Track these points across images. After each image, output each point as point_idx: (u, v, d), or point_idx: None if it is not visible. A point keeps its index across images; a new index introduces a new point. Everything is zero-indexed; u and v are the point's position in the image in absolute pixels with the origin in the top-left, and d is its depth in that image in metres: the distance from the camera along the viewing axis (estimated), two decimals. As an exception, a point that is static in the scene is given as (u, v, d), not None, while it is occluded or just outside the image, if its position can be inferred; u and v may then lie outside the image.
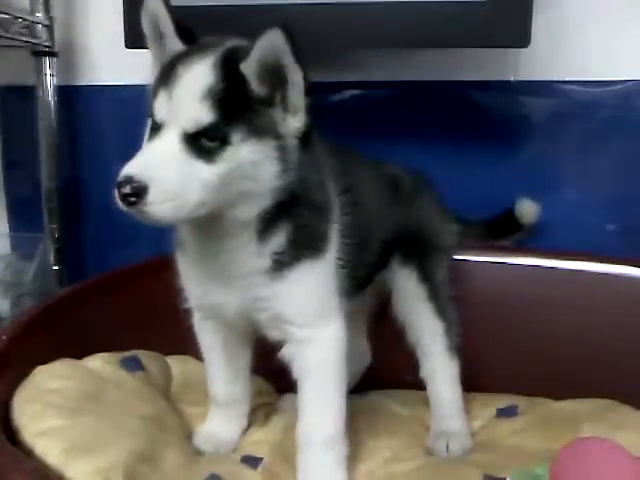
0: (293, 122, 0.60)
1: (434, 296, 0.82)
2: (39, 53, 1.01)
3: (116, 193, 0.56)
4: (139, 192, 0.55)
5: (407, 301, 0.82)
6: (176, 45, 0.63)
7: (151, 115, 0.61)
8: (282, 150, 0.59)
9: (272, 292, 0.65)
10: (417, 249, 0.83)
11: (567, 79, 0.97)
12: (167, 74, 0.59)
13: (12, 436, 0.62)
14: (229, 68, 0.58)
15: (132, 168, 0.56)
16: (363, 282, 0.79)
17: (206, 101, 0.57)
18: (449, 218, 0.88)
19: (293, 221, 0.64)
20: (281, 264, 0.64)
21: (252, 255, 0.64)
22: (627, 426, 0.72)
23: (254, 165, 0.58)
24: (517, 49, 0.89)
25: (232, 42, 0.62)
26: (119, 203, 0.56)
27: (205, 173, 0.57)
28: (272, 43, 0.57)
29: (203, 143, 0.57)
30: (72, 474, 0.57)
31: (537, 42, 0.83)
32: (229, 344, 0.76)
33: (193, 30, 0.64)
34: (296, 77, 0.58)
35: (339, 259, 0.68)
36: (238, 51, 0.60)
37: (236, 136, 0.57)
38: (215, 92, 0.57)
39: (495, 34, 0.75)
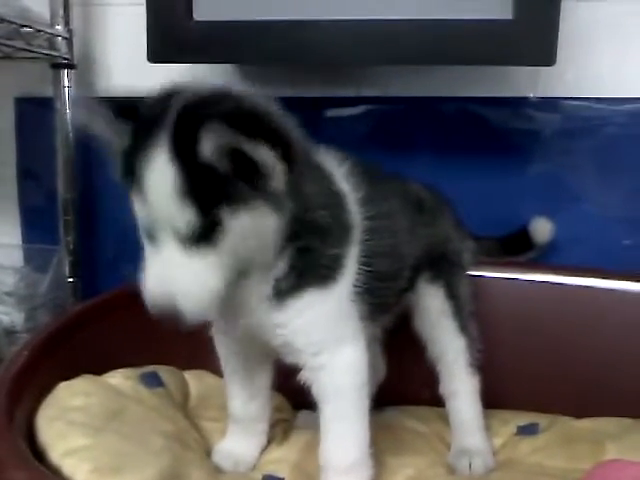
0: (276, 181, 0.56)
1: (458, 313, 0.82)
2: (58, 65, 1.01)
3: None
4: (170, 311, 0.55)
5: (431, 318, 0.82)
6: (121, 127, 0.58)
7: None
8: (275, 199, 0.56)
9: (277, 320, 0.63)
10: (443, 267, 0.83)
11: (585, 96, 0.97)
12: (130, 171, 0.56)
13: (38, 455, 0.62)
14: (187, 156, 0.53)
15: (154, 293, 0.56)
16: (390, 307, 0.79)
17: (180, 200, 0.53)
18: (467, 235, 0.89)
19: (294, 244, 0.61)
20: (283, 291, 0.62)
21: (255, 280, 0.62)
22: (653, 447, 0.72)
23: (254, 228, 0.56)
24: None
25: (181, 101, 0.55)
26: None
27: (213, 258, 0.55)
28: (217, 138, 0.52)
29: (198, 235, 0.55)
30: (101, 495, 0.57)
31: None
32: (248, 359, 0.75)
33: (135, 106, 0.59)
34: (266, 157, 0.53)
35: (360, 286, 0.65)
36: (193, 121, 0.53)
37: (224, 215, 0.54)
38: (183, 187, 0.53)
39: (520, 52, 0.75)
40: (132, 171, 0.56)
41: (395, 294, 0.77)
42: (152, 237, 0.57)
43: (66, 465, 0.59)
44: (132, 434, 0.67)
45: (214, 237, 0.55)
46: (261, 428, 0.78)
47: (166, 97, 0.57)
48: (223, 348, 0.75)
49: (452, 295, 0.81)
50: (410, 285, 0.80)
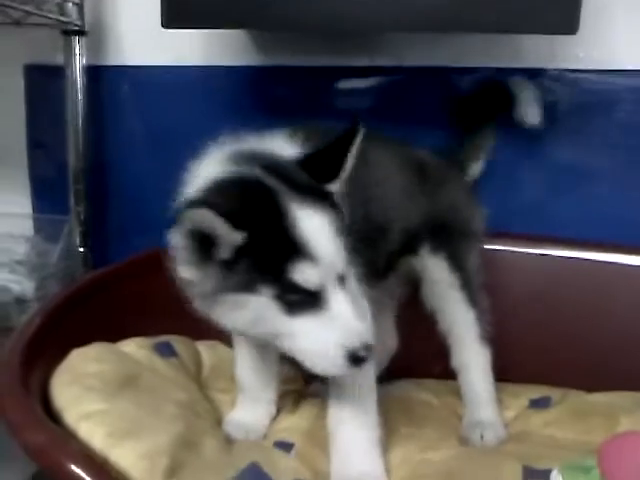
0: None
1: (466, 284, 0.81)
2: (69, 32, 0.99)
3: (343, 357, 0.57)
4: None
5: (438, 290, 0.82)
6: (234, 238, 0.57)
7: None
8: None
9: None
10: (448, 237, 0.82)
11: (604, 68, 0.95)
12: (287, 249, 0.57)
13: (54, 418, 0.62)
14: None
15: (366, 335, 0.57)
16: (384, 270, 0.78)
17: (339, 239, 0.58)
18: (477, 202, 0.88)
19: None
20: None
21: None
22: (666, 420, 0.72)
23: None
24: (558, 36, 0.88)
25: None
26: (342, 365, 0.57)
27: None
28: None
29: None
30: (117, 457, 0.57)
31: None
32: None
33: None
34: None
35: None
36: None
37: None
38: (339, 227, 0.58)
39: (542, 19, 0.73)
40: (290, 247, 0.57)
41: (384, 256, 0.76)
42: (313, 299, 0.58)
43: (82, 429, 0.60)
44: (146, 401, 0.67)
45: None
46: (270, 397, 0.78)
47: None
48: None
49: (459, 266, 0.81)
50: (407, 250, 0.80)
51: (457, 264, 0.81)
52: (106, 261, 1.05)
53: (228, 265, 0.57)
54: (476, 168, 0.94)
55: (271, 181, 0.58)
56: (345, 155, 0.62)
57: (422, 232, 0.81)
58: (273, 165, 0.60)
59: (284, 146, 0.65)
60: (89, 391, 0.65)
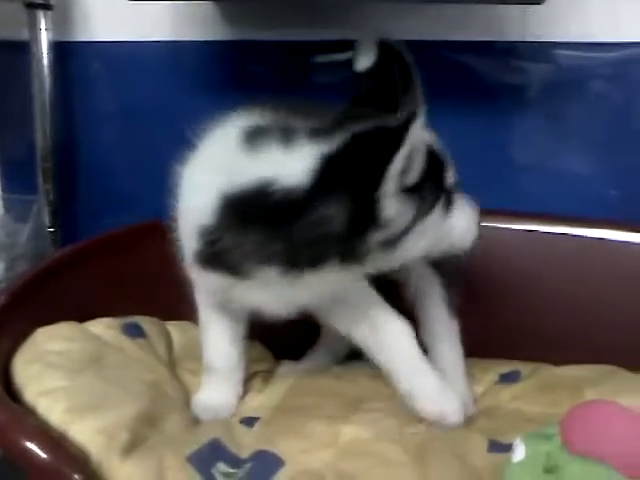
0: None
1: None
2: (33, 5, 0.97)
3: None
4: None
5: None
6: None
7: None
8: None
9: None
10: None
11: (572, 41, 0.95)
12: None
13: (13, 397, 0.61)
14: None
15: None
16: None
17: None
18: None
19: None
20: None
21: None
22: (629, 390, 0.72)
23: None
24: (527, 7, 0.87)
25: None
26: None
27: None
28: None
29: None
30: (75, 432, 0.56)
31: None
32: (232, 311, 0.74)
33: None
34: None
35: None
36: None
37: None
38: None
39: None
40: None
41: None
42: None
43: (41, 405, 0.59)
44: (111, 377, 0.67)
45: None
46: (238, 377, 0.78)
47: None
48: (207, 297, 0.74)
49: None
50: None
51: None
52: (76, 240, 1.02)
53: (414, 190, 0.60)
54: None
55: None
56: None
57: None
58: None
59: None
60: (51, 368, 0.65)
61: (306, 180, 0.57)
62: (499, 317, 0.88)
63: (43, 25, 0.98)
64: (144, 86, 1.02)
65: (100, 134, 1.05)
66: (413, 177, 0.59)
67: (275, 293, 0.64)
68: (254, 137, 0.61)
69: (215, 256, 0.62)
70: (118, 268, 0.88)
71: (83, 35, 1.03)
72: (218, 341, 0.76)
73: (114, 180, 1.04)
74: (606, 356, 0.82)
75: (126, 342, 0.77)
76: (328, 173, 0.58)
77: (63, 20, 1.02)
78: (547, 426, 0.58)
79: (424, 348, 0.81)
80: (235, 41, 0.99)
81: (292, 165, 0.58)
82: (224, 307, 0.73)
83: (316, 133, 0.60)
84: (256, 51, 0.99)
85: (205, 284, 0.69)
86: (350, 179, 0.57)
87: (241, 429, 0.70)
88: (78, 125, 1.06)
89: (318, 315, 0.87)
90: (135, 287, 0.88)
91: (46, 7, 0.98)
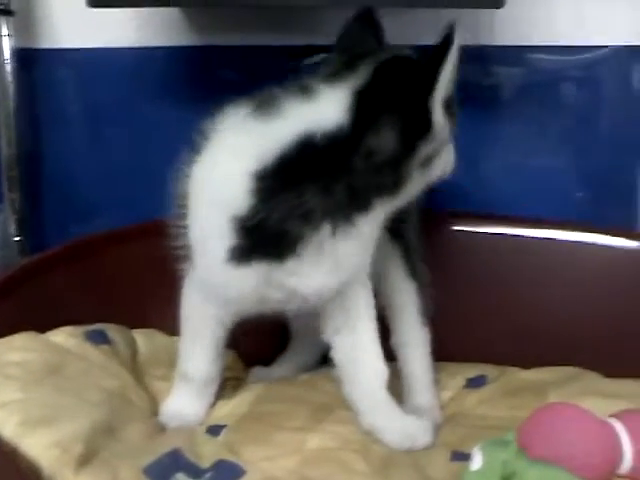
0: None
1: (407, 255, 0.80)
2: (-6, 12, 0.96)
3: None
4: None
5: (378, 258, 0.80)
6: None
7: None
8: None
9: None
10: None
11: (540, 44, 0.95)
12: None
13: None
14: None
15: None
16: None
17: None
18: None
19: None
20: None
21: None
22: (593, 393, 0.72)
23: None
24: (490, 11, 0.87)
25: None
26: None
27: None
28: None
29: None
30: (28, 446, 0.55)
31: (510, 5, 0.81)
32: (221, 322, 0.73)
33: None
34: None
35: None
36: None
37: None
38: None
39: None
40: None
41: None
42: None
43: (-5, 419, 0.58)
44: (69, 388, 0.66)
45: None
46: (213, 388, 0.77)
47: None
48: (199, 309, 0.72)
49: (399, 235, 0.79)
50: None
51: (398, 233, 0.79)
52: (43, 249, 1.01)
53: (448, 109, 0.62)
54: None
55: None
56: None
57: None
58: None
59: None
60: (8, 380, 0.64)
61: (345, 118, 0.59)
62: (468, 319, 0.87)
63: (5, 31, 0.97)
64: (110, 93, 1.01)
65: (66, 142, 1.04)
66: (450, 89, 0.61)
67: (321, 263, 0.63)
68: (268, 106, 0.62)
69: (257, 241, 0.61)
70: (84, 277, 0.87)
71: (47, 42, 1.02)
72: (201, 355, 0.74)
73: (81, 188, 1.03)
74: (573, 358, 0.82)
75: (89, 349, 0.76)
76: (366, 102, 0.60)
77: (26, 26, 1.01)
78: (506, 433, 0.58)
79: (393, 355, 0.81)
80: (202, 46, 0.98)
81: (325, 110, 0.60)
82: (220, 319, 0.71)
83: (334, 77, 0.62)
84: (223, 56, 0.98)
85: (238, 285, 0.65)
86: (394, 99, 0.60)
87: (205, 438, 0.69)
88: (43, 133, 1.04)
89: (296, 322, 0.88)
90: (101, 296, 0.87)
91: (7, 13, 0.96)
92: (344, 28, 0.69)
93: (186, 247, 0.67)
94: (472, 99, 0.98)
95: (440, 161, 0.66)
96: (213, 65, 0.99)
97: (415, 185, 0.65)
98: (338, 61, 0.65)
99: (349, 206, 0.61)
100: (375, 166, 0.61)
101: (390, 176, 0.62)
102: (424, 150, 0.62)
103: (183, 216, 0.66)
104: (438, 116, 0.61)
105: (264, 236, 0.61)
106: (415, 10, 0.92)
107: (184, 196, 0.66)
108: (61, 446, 0.56)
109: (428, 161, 0.64)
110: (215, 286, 0.67)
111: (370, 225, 0.64)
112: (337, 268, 0.64)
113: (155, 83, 1.00)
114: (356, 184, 0.61)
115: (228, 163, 0.62)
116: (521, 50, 0.96)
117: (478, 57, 0.95)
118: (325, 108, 0.60)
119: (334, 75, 0.63)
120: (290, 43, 0.96)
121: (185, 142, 0.66)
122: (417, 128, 0.61)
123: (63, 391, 0.65)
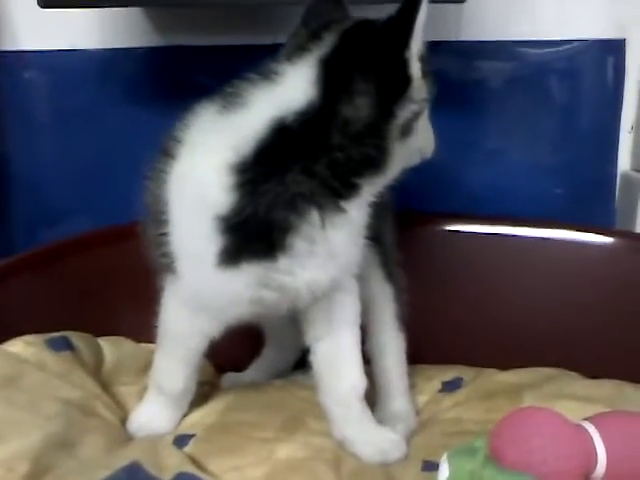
0: None
1: (384, 261, 0.78)
2: (-47, 15, 0.94)
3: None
4: None
5: None
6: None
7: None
8: None
9: None
10: None
11: (511, 39, 0.93)
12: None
13: None
14: None
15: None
16: None
17: None
18: None
19: None
20: None
21: None
22: (568, 395, 0.71)
23: None
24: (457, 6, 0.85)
25: None
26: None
27: None
28: None
29: None
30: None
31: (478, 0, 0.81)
32: (207, 336, 0.69)
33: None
34: None
35: None
36: None
37: None
38: None
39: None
40: None
41: None
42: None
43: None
44: (23, 401, 0.64)
45: None
46: (188, 400, 0.74)
47: None
48: (184, 323, 0.68)
49: (377, 241, 0.75)
50: None
51: (375, 239, 0.78)
52: (10, 255, 0.99)
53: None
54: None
55: None
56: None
57: None
58: None
59: None
60: (-41, 395, 0.61)
61: (314, 92, 0.56)
62: (444, 320, 0.86)
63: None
64: (75, 96, 0.98)
65: (32, 146, 1.02)
66: (423, 52, 0.58)
67: (313, 256, 0.60)
68: (235, 98, 0.59)
69: (245, 239, 0.58)
70: (50, 283, 0.86)
71: (10, 44, 0.99)
72: (180, 370, 0.71)
73: (48, 192, 1.01)
74: (550, 356, 0.81)
75: (49, 358, 0.73)
76: (334, 69, 0.57)
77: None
78: (476, 438, 0.56)
79: (368, 359, 0.79)
80: (166, 47, 0.96)
81: (292, 89, 0.57)
82: (207, 332, 0.68)
83: (298, 53, 0.59)
84: (188, 57, 0.96)
85: (230, 290, 0.61)
86: (365, 59, 0.57)
87: (169, 450, 0.66)
88: (10, 138, 1.02)
89: (270, 327, 0.86)
90: (66, 303, 0.85)
91: (-33, 16, 0.94)
92: (308, 4, 0.65)
93: (167, 256, 0.63)
94: (446, 96, 0.97)
95: (419, 135, 0.62)
96: (178, 66, 0.97)
97: (398, 159, 0.61)
98: (302, 36, 0.62)
99: (335, 188, 0.58)
100: (353, 137, 0.57)
101: (372, 147, 0.58)
102: (403, 113, 0.58)
103: (163, 223, 0.63)
104: (415, 70, 0.57)
105: (251, 232, 0.58)
106: (383, 6, 0.90)
107: (163, 202, 0.62)
108: (6, 465, 0.54)
109: (408, 128, 0.59)
110: (205, 294, 0.63)
111: (358, 210, 0.61)
112: (330, 260, 0.61)
113: (120, 85, 0.98)
114: (338, 160, 0.57)
115: (205, 162, 0.59)
116: (493, 44, 0.94)
117: (449, 52, 0.94)
118: (291, 87, 0.58)
119: (298, 51, 0.59)
120: (256, 42, 0.94)
121: (153, 145, 0.65)
122: (394, 86, 0.57)
123: (15, 405, 0.62)
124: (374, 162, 0.59)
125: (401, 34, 0.56)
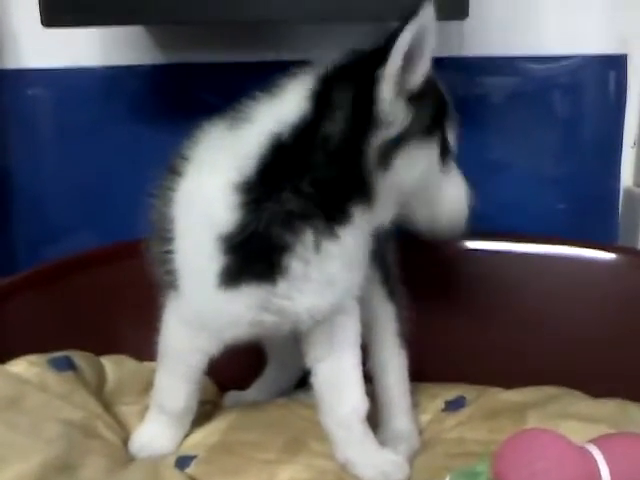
0: None
1: (386, 279, 0.77)
2: (-42, 34, 0.94)
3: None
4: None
5: None
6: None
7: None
8: None
9: None
10: None
11: (514, 54, 0.93)
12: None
13: None
14: None
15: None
16: None
17: None
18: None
19: None
20: None
21: None
22: (572, 415, 0.70)
23: None
24: (459, 22, 0.85)
25: None
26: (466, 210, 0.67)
27: None
28: None
29: None
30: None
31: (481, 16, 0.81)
32: (207, 355, 0.69)
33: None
34: None
35: None
36: None
37: None
38: None
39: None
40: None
41: None
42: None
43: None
44: (25, 423, 0.63)
45: None
46: (190, 419, 0.74)
47: None
48: (184, 341, 0.68)
49: (379, 260, 0.76)
50: None
51: (378, 258, 0.77)
52: (13, 272, 0.99)
53: (415, 102, 0.58)
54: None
55: None
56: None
57: None
58: None
59: None
60: (-39, 417, 0.61)
61: (307, 105, 0.57)
62: (446, 337, 0.85)
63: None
64: (78, 113, 0.99)
65: (36, 163, 1.02)
66: (415, 81, 0.57)
67: (310, 281, 0.60)
68: (240, 116, 0.60)
69: (245, 259, 0.59)
70: (51, 302, 0.86)
71: (13, 62, 1.00)
72: (181, 389, 0.71)
73: (52, 210, 1.01)
74: (552, 375, 0.80)
75: (51, 378, 0.73)
76: (325, 84, 0.58)
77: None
78: (478, 462, 0.55)
79: (370, 378, 0.79)
80: (168, 65, 0.97)
81: (289, 104, 0.58)
82: (207, 350, 0.68)
83: (302, 71, 0.60)
84: (191, 74, 0.97)
85: (230, 310, 0.62)
86: (348, 75, 0.58)
87: (169, 472, 0.66)
88: (14, 155, 1.02)
89: (273, 346, 0.85)
90: (66, 323, 0.85)
91: (-29, 34, 0.95)
92: None
93: (170, 273, 0.63)
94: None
95: (414, 167, 0.60)
96: (181, 83, 0.98)
97: (387, 195, 0.59)
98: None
99: (327, 210, 0.58)
100: (331, 154, 0.57)
101: (350, 167, 0.57)
102: (376, 138, 0.57)
103: (167, 241, 0.63)
104: (386, 93, 0.56)
105: (252, 251, 0.58)
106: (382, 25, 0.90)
107: (168, 220, 0.63)
108: (7, 488, 0.53)
109: (387, 159, 0.58)
110: (206, 313, 0.64)
111: (353, 238, 0.61)
112: (327, 288, 0.62)
113: (123, 102, 0.98)
114: (319, 178, 0.57)
115: (211, 181, 0.60)
116: (495, 60, 0.94)
117: (451, 68, 0.93)
118: (289, 101, 0.58)
119: (303, 69, 0.60)
120: (258, 59, 0.94)
121: (156, 162, 0.64)
122: (365, 102, 0.56)
123: (16, 427, 0.62)
124: (360, 188, 0.58)
125: (380, 53, 0.56)
